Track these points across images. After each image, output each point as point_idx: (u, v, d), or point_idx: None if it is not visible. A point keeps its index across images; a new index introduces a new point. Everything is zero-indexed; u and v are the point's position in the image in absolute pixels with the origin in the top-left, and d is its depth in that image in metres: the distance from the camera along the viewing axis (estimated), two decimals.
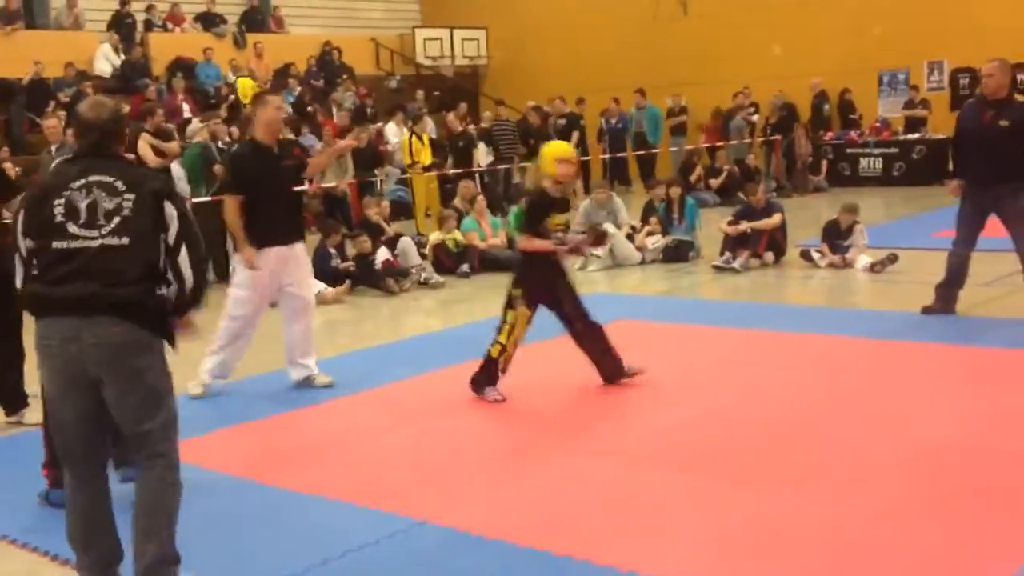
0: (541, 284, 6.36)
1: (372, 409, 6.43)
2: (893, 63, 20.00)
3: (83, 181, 3.66)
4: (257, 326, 6.94)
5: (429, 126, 17.20)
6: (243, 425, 6.21)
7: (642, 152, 19.92)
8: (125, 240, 3.61)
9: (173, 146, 11.83)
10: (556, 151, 6.42)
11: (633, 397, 6.29)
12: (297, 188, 7.08)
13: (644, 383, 6.47)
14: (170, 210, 3.70)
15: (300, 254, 6.93)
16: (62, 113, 14.66)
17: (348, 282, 10.55)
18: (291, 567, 4.13)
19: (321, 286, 10.42)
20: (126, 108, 4.11)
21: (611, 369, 6.49)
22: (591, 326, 6.47)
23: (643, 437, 5.58)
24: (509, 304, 6.34)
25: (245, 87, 16.85)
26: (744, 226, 10.97)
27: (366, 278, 10.77)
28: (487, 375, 6.37)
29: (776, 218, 11.03)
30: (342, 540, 4.35)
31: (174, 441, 3.79)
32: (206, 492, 4.95)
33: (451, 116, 17.51)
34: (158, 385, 3.72)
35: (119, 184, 3.66)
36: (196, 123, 12.83)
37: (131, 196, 3.65)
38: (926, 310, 7.91)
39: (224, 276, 11.73)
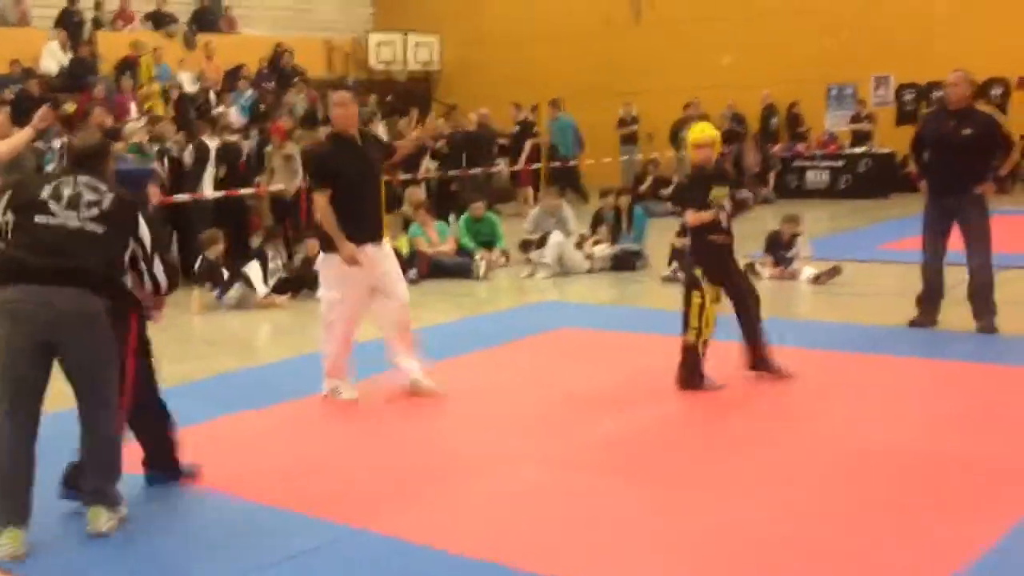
0: (715, 259, 6.44)
1: (315, 415, 6.40)
2: (840, 77, 20.30)
3: (71, 177, 4.36)
4: (359, 325, 6.63)
5: (378, 131, 17.12)
6: (183, 429, 6.13)
7: (556, 164, 19.65)
8: (100, 229, 4.26)
9: (118, 146, 11.67)
10: (692, 138, 6.63)
11: (579, 406, 6.31)
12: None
13: (590, 392, 6.49)
14: (143, 221, 4.42)
15: (388, 251, 6.63)
16: (7, 109, 14.39)
17: (287, 295, 10.50)
18: (230, 572, 4.10)
19: (265, 289, 10.38)
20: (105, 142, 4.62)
21: (755, 358, 6.62)
22: (750, 307, 6.58)
23: (589, 446, 5.60)
24: (693, 284, 6.39)
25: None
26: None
27: (310, 283, 10.68)
28: (690, 366, 6.37)
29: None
30: (282, 546, 4.32)
31: (117, 394, 4.43)
32: (144, 497, 4.91)
33: (402, 122, 17.45)
34: (110, 349, 4.34)
35: (101, 186, 4.35)
36: (133, 123, 12.67)
37: (110, 196, 4.33)
38: (913, 323, 8.00)
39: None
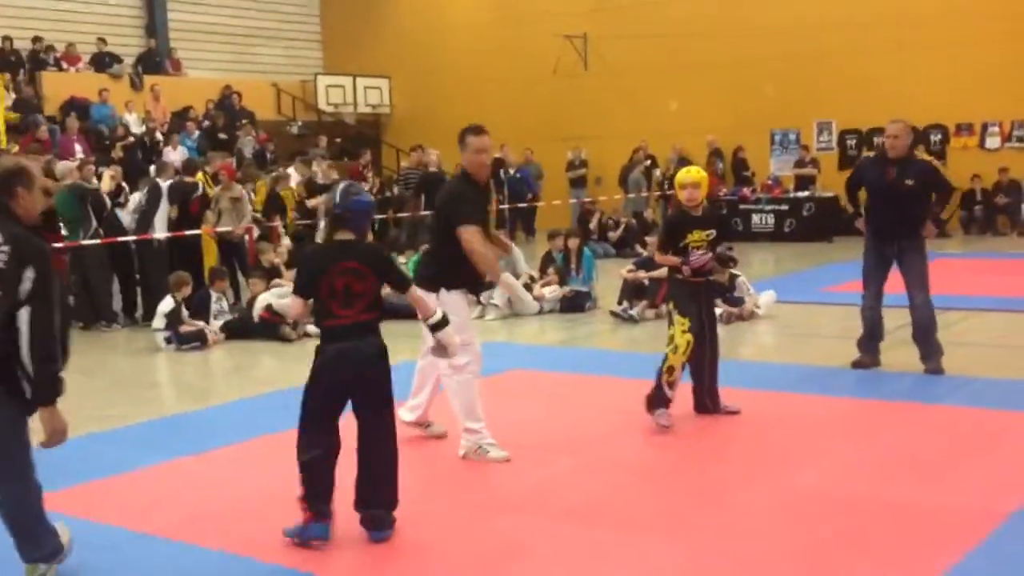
0: (685, 294, 6.59)
1: (257, 458, 6.30)
2: (784, 123, 20.68)
3: None
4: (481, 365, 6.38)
5: (324, 171, 17.10)
6: (125, 475, 6.02)
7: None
8: None
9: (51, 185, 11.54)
10: (680, 179, 6.80)
11: (523, 446, 6.28)
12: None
13: (537, 433, 6.47)
14: (29, 272, 3.76)
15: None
16: None
17: (222, 335, 10.44)
18: None
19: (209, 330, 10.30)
20: (19, 166, 4.04)
21: (704, 399, 6.79)
22: (712, 351, 6.75)
23: (531, 487, 5.57)
24: (669, 319, 6.63)
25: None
26: (643, 275, 11.13)
27: (251, 329, 10.59)
28: (656, 393, 6.50)
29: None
30: None
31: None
32: (84, 543, 4.79)
33: (355, 163, 17.50)
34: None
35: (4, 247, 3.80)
36: (66, 163, 12.54)
37: (6, 249, 3.79)
38: (856, 364, 8.08)
39: (112, 319, 11.48)
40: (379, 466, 4.72)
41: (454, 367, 6.01)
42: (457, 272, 6.05)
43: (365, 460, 4.72)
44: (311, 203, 13.88)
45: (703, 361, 6.71)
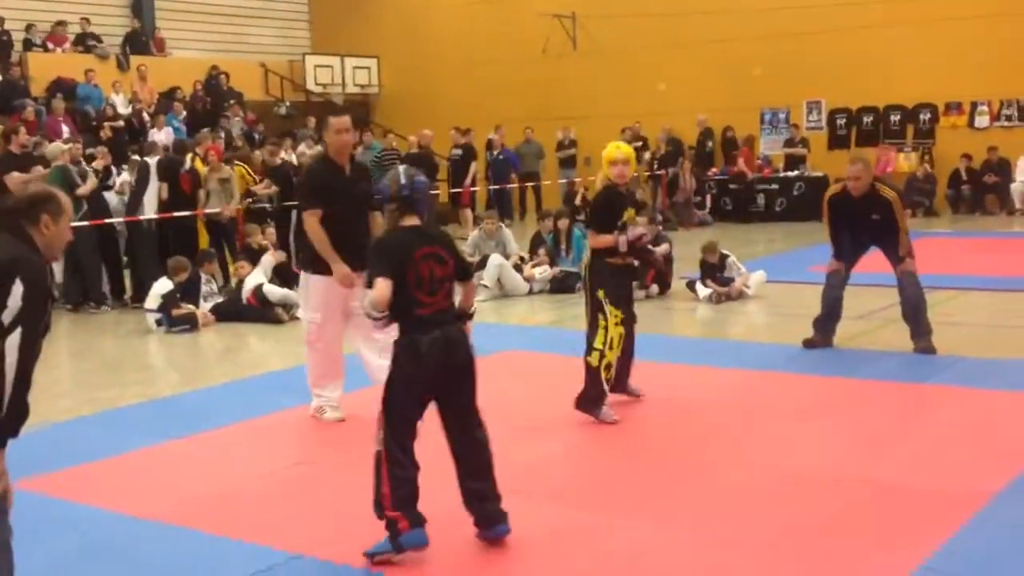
0: (616, 281, 6.32)
1: (250, 440, 6.31)
2: (774, 102, 20.66)
3: None
4: (342, 346, 6.61)
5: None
6: (115, 458, 6.02)
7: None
8: None
9: (38, 170, 11.47)
10: (608, 154, 6.36)
11: (509, 429, 6.29)
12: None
13: (525, 415, 6.48)
14: (17, 287, 3.21)
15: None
16: None
17: (212, 317, 10.43)
18: None
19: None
20: (50, 192, 3.49)
21: (622, 380, 6.56)
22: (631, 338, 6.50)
23: (518, 468, 5.58)
24: (598, 308, 6.26)
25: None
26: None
27: (240, 311, 10.58)
28: (594, 390, 6.23)
29: (663, 247, 11.23)
30: (215, 575, 4.24)
31: None
32: (73, 526, 4.80)
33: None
34: None
35: None
36: (57, 144, 12.45)
37: None
38: (808, 343, 8.13)
39: (102, 301, 11.47)
40: (485, 456, 4.53)
41: (307, 342, 6.60)
42: (314, 254, 6.38)
43: (472, 452, 4.49)
44: (256, 189, 13.31)
45: (630, 350, 6.54)
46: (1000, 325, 9.04)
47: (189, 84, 20.68)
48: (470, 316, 4.60)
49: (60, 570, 4.30)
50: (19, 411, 3.24)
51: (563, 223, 12.33)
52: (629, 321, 6.43)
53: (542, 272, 11.91)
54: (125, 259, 12.47)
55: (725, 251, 11.14)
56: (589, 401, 6.29)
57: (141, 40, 21.39)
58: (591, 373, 6.27)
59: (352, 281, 6.23)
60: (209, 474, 5.68)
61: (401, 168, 4.67)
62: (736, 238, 15.56)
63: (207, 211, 12.43)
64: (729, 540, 4.44)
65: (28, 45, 19.46)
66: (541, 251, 12.21)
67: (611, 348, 6.23)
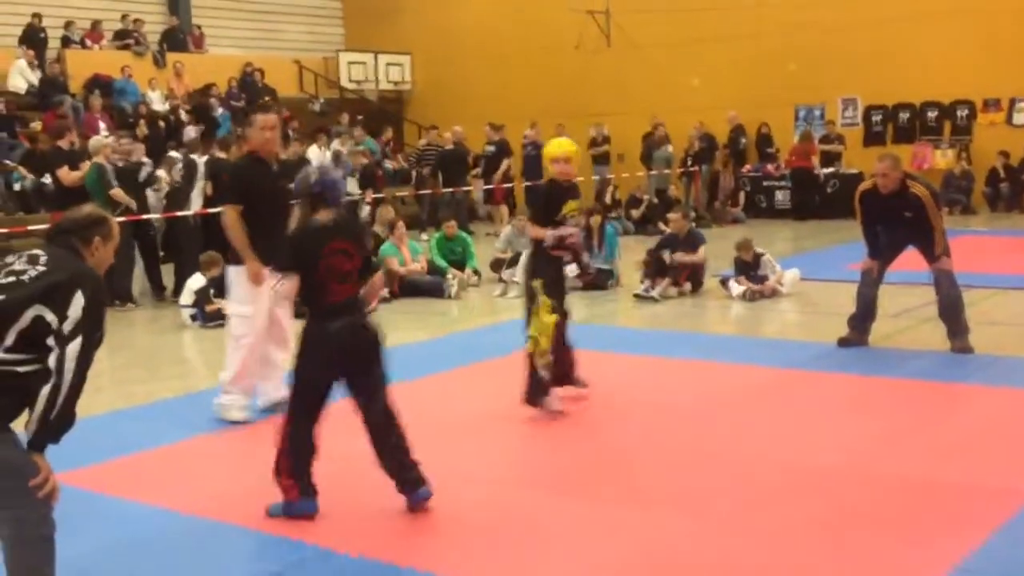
0: (554, 272, 6.41)
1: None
2: (809, 99, 20.49)
3: (25, 251, 3.57)
4: (265, 342, 6.63)
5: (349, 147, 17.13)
6: (149, 452, 6.07)
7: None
8: (1, 297, 3.37)
9: (86, 166, 11.63)
10: (549, 152, 6.55)
11: (544, 424, 6.29)
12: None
13: (555, 413, 6.48)
14: (78, 298, 3.38)
15: None
16: None
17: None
18: None
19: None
20: (103, 215, 3.74)
21: (562, 372, 6.59)
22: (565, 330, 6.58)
23: (552, 463, 5.60)
24: (531, 297, 6.35)
25: None
26: (666, 257, 11.08)
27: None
28: (534, 382, 6.32)
29: (700, 253, 11.19)
30: (247, 567, 4.29)
31: (27, 494, 3.44)
32: (109, 519, 4.85)
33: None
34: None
35: (42, 258, 3.49)
36: (98, 139, 12.56)
37: (42, 270, 3.44)
38: (842, 342, 8.07)
39: (128, 299, 11.56)
40: (396, 429, 4.83)
41: (234, 335, 6.56)
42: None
43: (383, 428, 4.81)
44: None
45: (563, 340, 6.58)
46: None
47: (224, 81, 20.82)
48: (372, 309, 5.06)
49: (95, 563, 4.34)
50: (67, 418, 3.40)
51: (595, 220, 12.29)
52: (560, 311, 6.44)
53: (574, 269, 11.84)
54: (162, 254, 12.56)
55: (760, 249, 11.07)
56: (533, 394, 6.37)
57: (178, 37, 21.56)
58: (529, 363, 6.34)
59: (261, 279, 6.37)
60: (242, 468, 5.71)
61: (314, 165, 5.05)
62: (769, 235, 15.47)
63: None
64: (762, 534, 4.42)
65: (66, 42, 19.67)
66: None
67: (543, 335, 6.29)
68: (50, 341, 3.34)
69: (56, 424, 3.38)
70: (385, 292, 11.31)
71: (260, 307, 6.47)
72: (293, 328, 6.60)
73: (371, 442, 4.83)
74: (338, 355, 4.69)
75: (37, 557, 3.49)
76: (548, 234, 6.30)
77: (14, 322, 3.33)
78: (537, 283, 6.34)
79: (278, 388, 6.54)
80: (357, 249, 4.83)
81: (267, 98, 19.93)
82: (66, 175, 11.75)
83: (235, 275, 6.55)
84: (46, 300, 3.35)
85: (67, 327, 3.34)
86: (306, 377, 4.72)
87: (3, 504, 3.42)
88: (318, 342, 4.67)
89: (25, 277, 3.41)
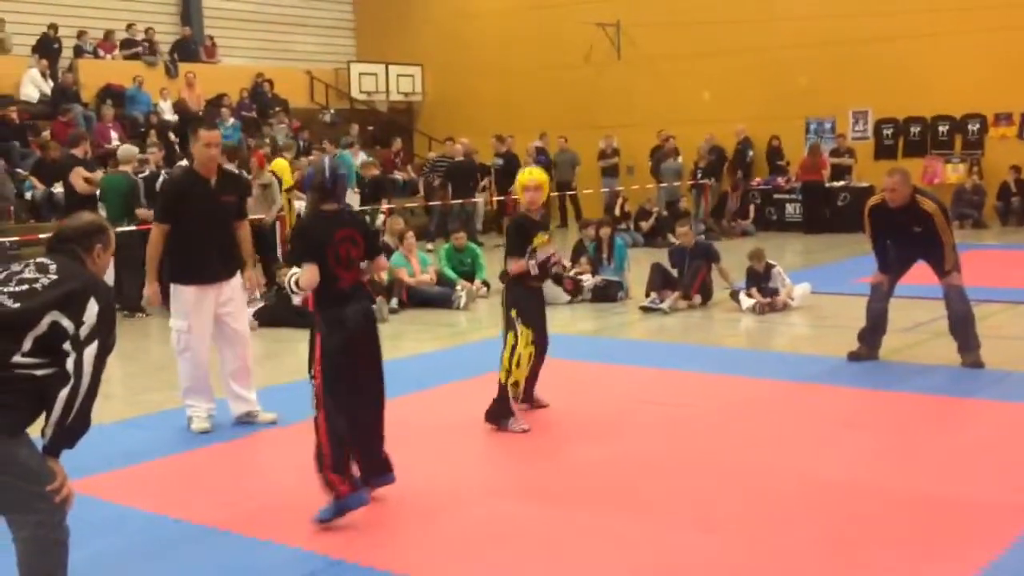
0: (531, 303, 6.52)
1: (291, 445, 6.33)
2: (819, 111, 20.48)
3: (31, 260, 3.67)
4: (208, 355, 6.71)
5: (360, 158, 17.16)
6: (158, 460, 6.08)
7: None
8: (15, 304, 3.45)
9: (98, 175, 11.68)
10: (521, 180, 6.63)
11: (553, 435, 6.29)
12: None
13: (567, 422, 6.48)
14: (92, 305, 3.51)
15: (236, 286, 6.76)
16: None
17: (255, 322, 10.44)
18: None
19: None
20: (103, 224, 3.87)
21: (530, 392, 6.76)
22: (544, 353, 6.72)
23: (561, 476, 5.59)
24: (509, 326, 6.45)
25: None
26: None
27: (282, 317, 10.64)
28: (501, 406, 6.41)
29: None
30: None
31: (45, 499, 3.50)
32: (117, 528, 4.86)
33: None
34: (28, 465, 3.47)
35: (52, 267, 3.59)
36: (128, 147, 12.63)
37: (54, 278, 3.54)
38: (852, 356, 8.05)
39: (137, 308, 11.58)
40: (380, 419, 5.07)
41: (176, 350, 6.67)
42: (179, 264, 6.54)
43: (372, 414, 5.01)
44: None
45: (538, 367, 6.69)
46: None
47: (236, 91, 20.89)
48: (379, 292, 5.20)
49: (105, 571, 4.34)
50: (84, 421, 3.50)
51: (605, 232, 12.30)
52: (540, 342, 6.58)
53: (584, 281, 11.88)
54: None
55: (771, 261, 11.06)
56: (496, 416, 6.45)
57: (190, 47, 21.65)
58: (500, 390, 6.43)
59: (155, 301, 6.61)
60: (252, 478, 5.72)
61: (326, 160, 5.24)
62: (779, 248, 15.45)
63: (249, 217, 12.53)
64: (773, 549, 4.40)
65: (79, 52, 19.76)
66: (583, 260, 12.19)
67: (518, 366, 6.43)
68: (66, 346, 3.44)
69: (73, 428, 3.48)
70: (395, 303, 11.33)
71: (199, 320, 6.56)
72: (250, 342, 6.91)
73: (356, 426, 4.90)
74: (356, 338, 4.84)
75: (51, 562, 3.55)
76: (531, 264, 6.41)
77: (32, 328, 3.44)
78: (514, 312, 6.44)
79: (243, 402, 6.78)
80: (362, 235, 5.01)
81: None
82: (79, 180, 11.80)
83: (173, 291, 6.63)
84: (62, 307, 3.46)
85: (84, 332, 3.47)
86: (332, 367, 4.79)
87: (24, 508, 3.48)
88: (336, 330, 4.79)
89: (38, 285, 3.51)
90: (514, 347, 6.39)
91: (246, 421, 6.74)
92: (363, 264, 5.07)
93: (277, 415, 6.78)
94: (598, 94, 22.22)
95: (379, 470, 5.05)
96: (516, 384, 6.46)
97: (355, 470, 4.86)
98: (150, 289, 6.61)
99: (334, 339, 4.80)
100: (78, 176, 11.83)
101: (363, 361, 4.94)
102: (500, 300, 6.77)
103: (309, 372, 4.84)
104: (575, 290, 11.34)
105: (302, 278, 4.80)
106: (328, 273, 4.82)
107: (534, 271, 6.43)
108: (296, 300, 6.04)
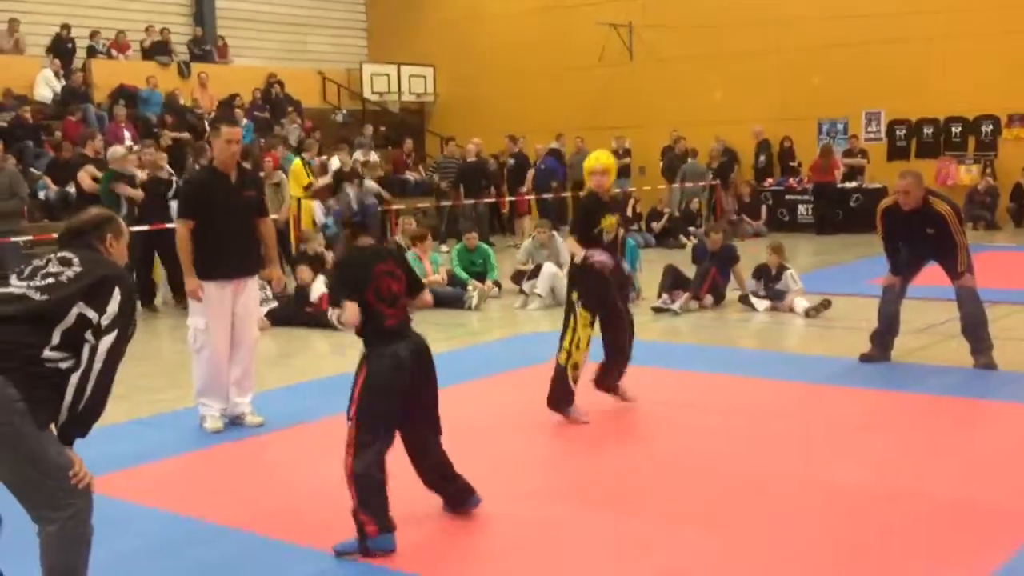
0: (593, 285, 6.45)
1: (304, 444, 6.36)
2: (832, 113, 20.43)
3: (51, 255, 3.70)
4: (228, 353, 6.69)
5: (372, 159, 17.17)
6: (170, 459, 6.10)
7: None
8: (43, 297, 3.50)
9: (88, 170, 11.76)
10: (587, 164, 6.65)
11: (567, 437, 6.29)
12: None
13: (578, 424, 6.48)
14: (116, 294, 3.56)
15: (251, 289, 6.78)
16: None
17: (268, 322, 10.46)
18: None
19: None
20: (111, 215, 3.91)
21: (607, 379, 6.76)
22: (624, 333, 6.68)
23: (573, 478, 5.59)
24: (570, 308, 6.48)
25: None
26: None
27: (298, 316, 10.69)
28: (561, 389, 6.43)
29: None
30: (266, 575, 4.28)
31: (75, 493, 3.54)
32: (129, 526, 4.88)
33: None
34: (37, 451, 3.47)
35: (75, 260, 3.63)
36: (116, 148, 12.68)
37: (78, 270, 3.59)
38: (864, 358, 8.03)
39: (147, 303, 11.64)
40: (443, 452, 4.89)
41: (192, 348, 6.66)
42: (201, 260, 6.51)
43: (433, 444, 4.85)
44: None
45: (621, 346, 6.67)
46: None
47: (248, 91, 20.94)
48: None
49: (118, 569, 4.36)
50: (96, 408, 3.52)
51: (619, 232, 12.26)
52: (611, 322, 6.59)
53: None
54: None
55: (785, 263, 11.03)
56: (559, 401, 6.48)
57: (203, 48, 21.72)
58: (558, 371, 6.47)
59: (198, 296, 6.50)
60: (264, 477, 5.73)
61: (351, 193, 4.94)
62: (792, 249, 15.41)
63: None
64: (788, 552, 4.39)
65: (92, 52, 19.84)
66: None
67: (578, 348, 6.46)
68: (88, 335, 3.48)
69: (85, 414, 3.50)
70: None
71: (216, 319, 6.56)
72: (256, 347, 6.90)
73: (416, 459, 4.81)
74: (407, 378, 4.61)
75: (75, 558, 3.59)
76: (581, 254, 6.38)
77: (60, 321, 3.47)
78: (575, 295, 6.47)
79: (235, 405, 6.74)
80: (403, 270, 4.81)
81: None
82: (87, 179, 11.86)
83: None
84: (88, 299, 3.51)
85: (105, 321, 3.50)
86: (376, 409, 4.55)
87: (54, 505, 3.50)
88: (387, 370, 4.56)
89: (63, 278, 3.55)
90: (574, 329, 6.43)
91: (235, 423, 6.73)
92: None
93: (264, 419, 6.75)
94: (610, 95, 22.21)
95: (462, 494, 4.94)
96: (576, 367, 6.46)
97: (384, 511, 4.56)
98: (192, 284, 6.52)
99: (386, 382, 4.56)
100: (86, 175, 11.87)
101: (413, 398, 4.68)
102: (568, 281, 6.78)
103: (348, 412, 4.61)
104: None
105: (343, 315, 4.56)
106: (371, 310, 4.60)
107: (578, 260, 6.41)
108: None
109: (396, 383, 4.57)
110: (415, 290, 4.89)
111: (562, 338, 6.52)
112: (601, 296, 6.54)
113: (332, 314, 4.72)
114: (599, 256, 6.39)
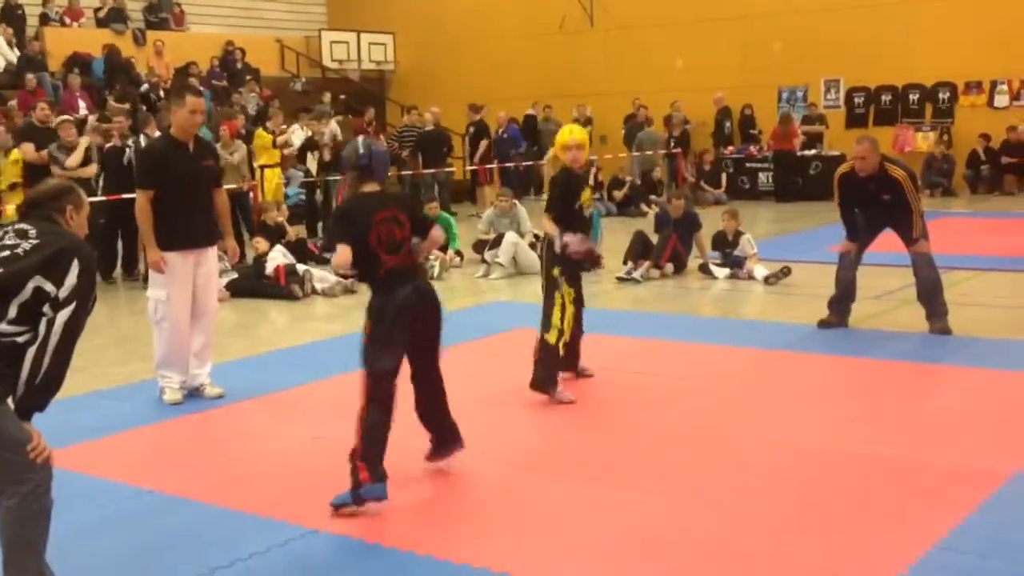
0: (572, 262, 6.37)
1: (265, 415, 6.34)
2: (792, 80, 20.51)
3: (9, 227, 3.64)
4: (188, 325, 6.65)
5: (331, 128, 16.98)
6: (130, 432, 6.06)
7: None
8: None
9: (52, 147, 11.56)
10: (559, 139, 6.47)
11: (526, 405, 6.31)
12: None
13: (563, 403, 6.47)
14: (75, 267, 3.49)
15: (211, 258, 6.72)
16: None
17: (227, 293, 10.38)
18: (180, 575, 4.04)
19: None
20: (71, 186, 3.83)
21: (571, 360, 6.67)
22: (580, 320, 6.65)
23: (532, 444, 5.62)
24: (553, 285, 6.34)
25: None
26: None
27: (256, 288, 10.62)
28: (549, 371, 6.29)
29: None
30: (231, 548, 4.27)
31: (33, 468, 3.50)
32: (89, 499, 4.85)
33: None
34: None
35: (32, 232, 3.57)
36: (92, 121, 12.50)
37: (36, 242, 3.53)
38: (823, 323, 8.11)
39: (107, 276, 11.52)
40: (443, 395, 5.02)
41: (153, 320, 6.61)
42: (161, 230, 6.45)
43: (432, 392, 4.96)
44: (21, 148, 11.89)
45: (579, 327, 6.65)
46: (1017, 306, 8.99)
47: (205, 59, 20.67)
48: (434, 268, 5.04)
49: (76, 542, 4.33)
50: (53, 382, 3.47)
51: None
52: (579, 301, 6.52)
53: None
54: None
55: (741, 229, 11.10)
56: (545, 381, 6.32)
57: (159, 15, 21.38)
58: (548, 350, 6.32)
59: (160, 268, 6.44)
60: (224, 448, 5.71)
61: (360, 139, 5.00)
62: (751, 217, 15.49)
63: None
64: (742, 515, 4.44)
65: (45, 19, 19.47)
66: None
67: (568, 326, 6.36)
68: (45, 308, 3.43)
69: (42, 389, 3.45)
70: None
71: (178, 290, 6.52)
72: (216, 318, 6.89)
73: (420, 401, 4.95)
74: (409, 322, 4.66)
75: (34, 531, 3.55)
76: (557, 240, 6.23)
77: (16, 295, 3.42)
78: (556, 271, 6.34)
79: (194, 376, 6.71)
80: (407, 215, 4.81)
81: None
82: (29, 150, 11.66)
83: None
84: (45, 271, 3.45)
85: (63, 294, 3.45)
86: (380, 354, 4.62)
87: (14, 479, 3.46)
88: (388, 314, 4.62)
89: (19, 250, 3.49)
90: (563, 306, 6.29)
91: (195, 394, 6.69)
92: (414, 241, 4.84)
93: (224, 390, 6.72)
94: (571, 63, 22.15)
95: (451, 439, 5.07)
96: (566, 345, 6.35)
97: (379, 463, 4.62)
98: (154, 255, 6.44)
99: (383, 325, 4.61)
100: (28, 146, 11.69)
101: (418, 340, 4.75)
102: (539, 257, 6.68)
103: (361, 359, 4.66)
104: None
105: (334, 258, 4.65)
106: (372, 256, 4.63)
107: (557, 249, 6.24)
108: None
109: (392, 330, 4.62)
110: (421, 232, 4.90)
111: (548, 316, 6.32)
112: (576, 275, 6.52)
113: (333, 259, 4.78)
114: (576, 246, 6.27)
